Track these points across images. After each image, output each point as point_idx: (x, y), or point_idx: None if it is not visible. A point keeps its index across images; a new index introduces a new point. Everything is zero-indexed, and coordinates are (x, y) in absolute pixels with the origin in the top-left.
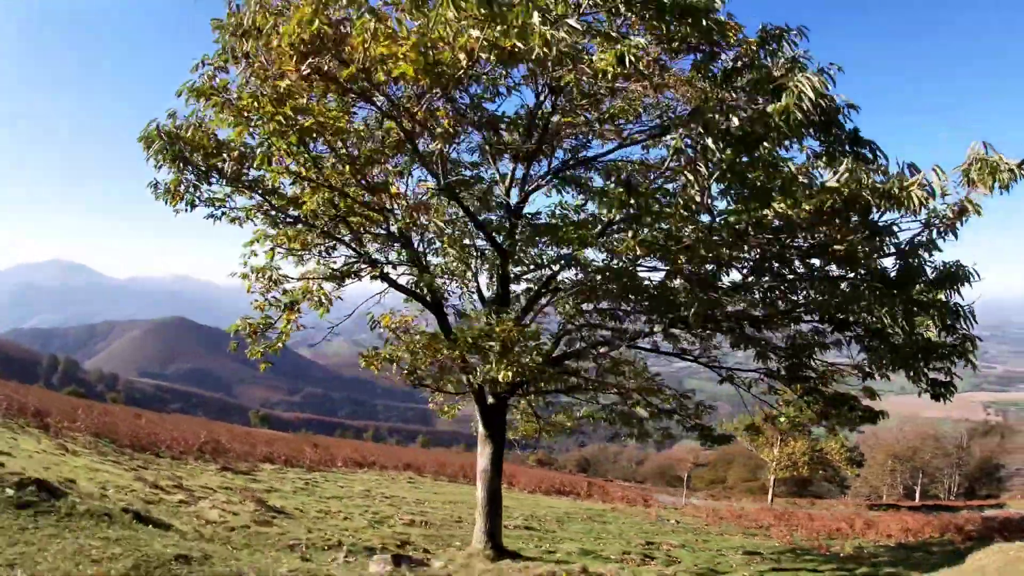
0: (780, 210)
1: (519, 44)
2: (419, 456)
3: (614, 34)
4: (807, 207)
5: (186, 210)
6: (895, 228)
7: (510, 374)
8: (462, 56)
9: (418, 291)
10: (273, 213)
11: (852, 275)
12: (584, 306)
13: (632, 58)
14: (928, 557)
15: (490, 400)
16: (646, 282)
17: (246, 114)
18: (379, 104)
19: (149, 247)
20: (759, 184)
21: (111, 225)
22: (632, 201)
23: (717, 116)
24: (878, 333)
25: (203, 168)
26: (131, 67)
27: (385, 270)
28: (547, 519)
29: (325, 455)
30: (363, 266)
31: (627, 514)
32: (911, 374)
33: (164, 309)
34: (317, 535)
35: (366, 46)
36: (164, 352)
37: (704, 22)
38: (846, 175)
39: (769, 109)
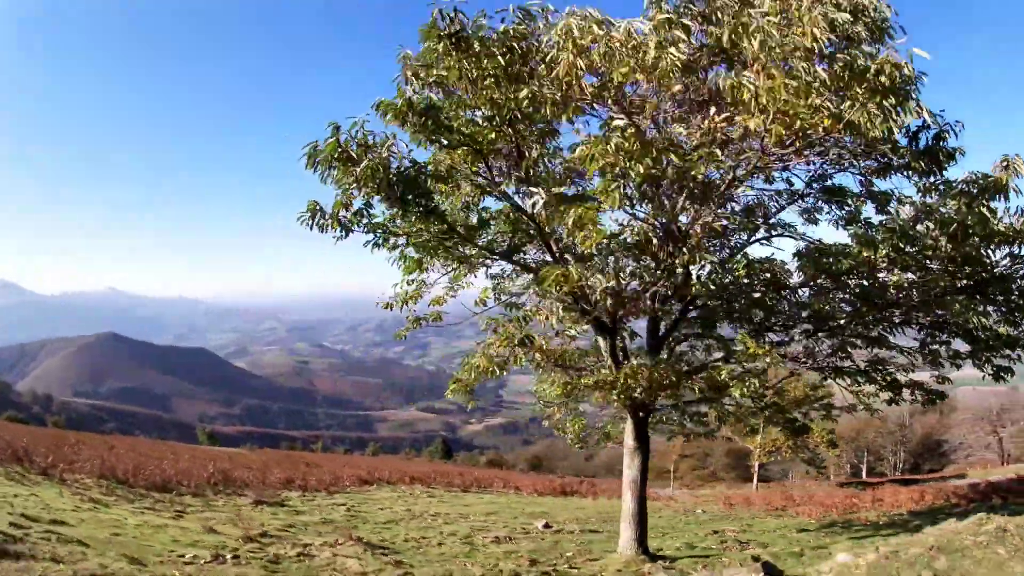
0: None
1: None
2: (411, 467)
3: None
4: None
5: (341, 236)
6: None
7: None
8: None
9: (599, 315)
10: (454, 240)
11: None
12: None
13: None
14: (952, 517)
15: (640, 414)
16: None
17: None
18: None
19: (79, 261)
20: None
21: (39, 240)
22: (904, 248)
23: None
24: (968, 331)
25: (398, 192)
26: (50, 77)
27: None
28: (593, 520)
29: (329, 475)
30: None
31: (653, 508)
32: (978, 361)
33: (96, 325)
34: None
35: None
36: (97, 370)
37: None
38: None
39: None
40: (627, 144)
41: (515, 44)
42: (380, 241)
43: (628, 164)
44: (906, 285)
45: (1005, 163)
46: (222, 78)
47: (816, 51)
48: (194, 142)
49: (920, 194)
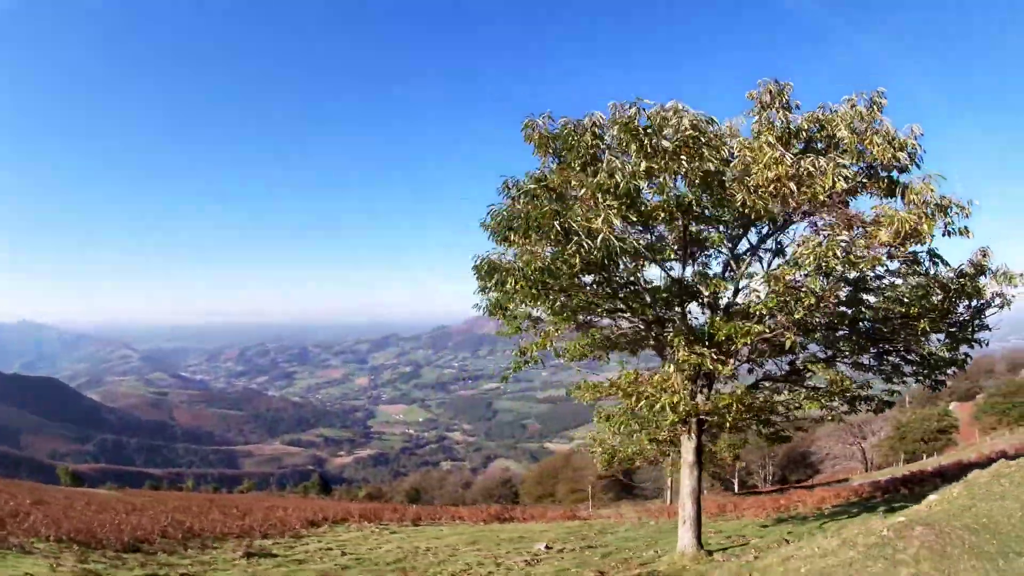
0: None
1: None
2: (340, 505)
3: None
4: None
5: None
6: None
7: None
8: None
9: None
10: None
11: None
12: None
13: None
14: (889, 504)
15: (698, 436)
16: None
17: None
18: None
19: None
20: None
21: None
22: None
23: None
24: (921, 356)
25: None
26: None
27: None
28: (573, 539)
29: (267, 519)
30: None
31: (617, 524)
32: (921, 377)
33: None
34: None
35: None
36: None
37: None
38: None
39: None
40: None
41: (701, 148)
42: (525, 328)
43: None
44: (897, 326)
45: (983, 253)
46: (67, 90)
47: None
48: (36, 151)
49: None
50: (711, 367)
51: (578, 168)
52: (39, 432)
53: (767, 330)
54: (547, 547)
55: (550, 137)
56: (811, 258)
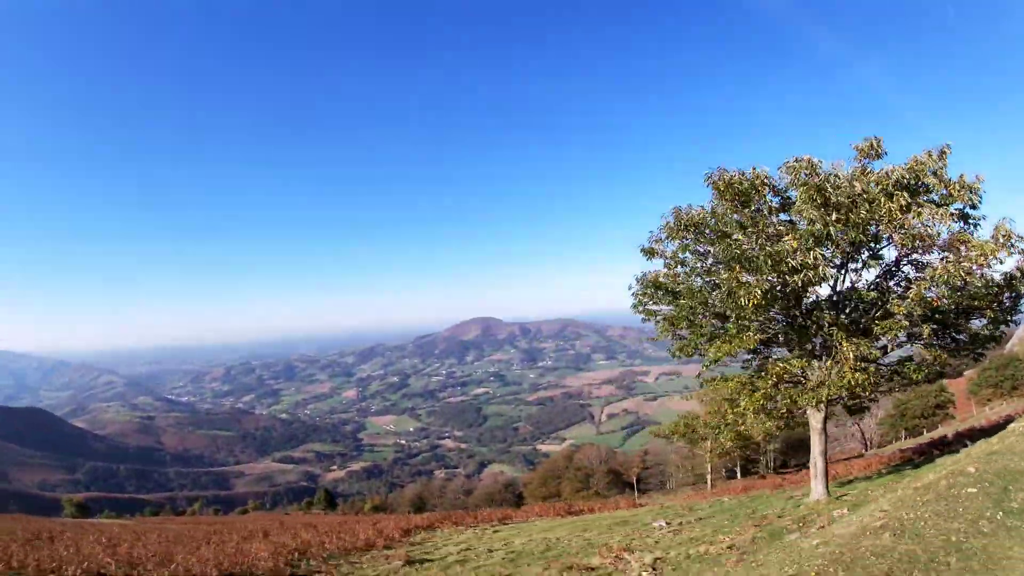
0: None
1: None
2: (396, 518)
3: None
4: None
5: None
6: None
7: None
8: None
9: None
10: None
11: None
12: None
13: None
14: (915, 467)
15: (826, 407)
16: None
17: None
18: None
19: None
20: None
21: None
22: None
23: None
24: (973, 335)
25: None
26: None
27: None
28: (672, 515)
29: (355, 534)
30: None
31: (693, 504)
32: (969, 351)
33: None
34: None
35: None
36: None
37: None
38: None
39: None
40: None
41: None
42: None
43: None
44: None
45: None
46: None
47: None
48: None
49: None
50: (866, 353)
51: (765, 212)
52: (25, 464)
53: (907, 324)
54: (666, 523)
55: (731, 185)
56: (943, 276)
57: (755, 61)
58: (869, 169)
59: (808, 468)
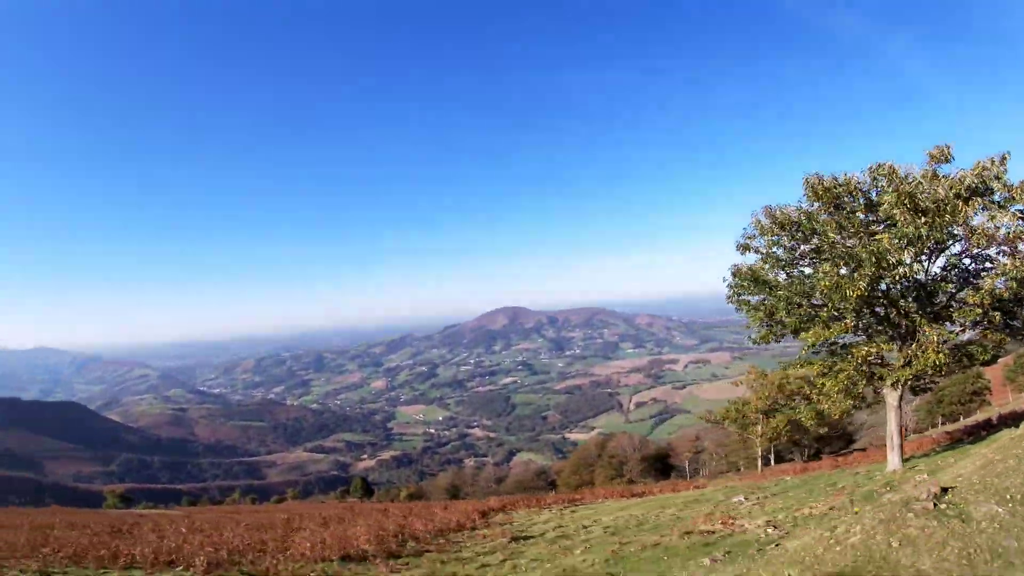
0: None
1: None
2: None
3: None
4: None
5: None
6: None
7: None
8: None
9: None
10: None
11: None
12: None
13: None
14: (973, 443)
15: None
16: None
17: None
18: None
19: None
20: None
21: None
22: None
23: None
24: None
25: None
26: None
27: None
28: (740, 492)
29: (444, 518)
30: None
31: (758, 484)
32: (1021, 337)
33: None
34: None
35: None
36: None
37: None
38: None
39: None
40: None
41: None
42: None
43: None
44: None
45: None
46: (55, 114)
47: None
48: (41, 179)
49: None
50: (945, 337)
51: (856, 213)
52: (61, 457)
53: (980, 312)
54: (744, 498)
55: (828, 190)
56: (1012, 272)
57: (774, 48)
58: (940, 173)
59: (843, 455)
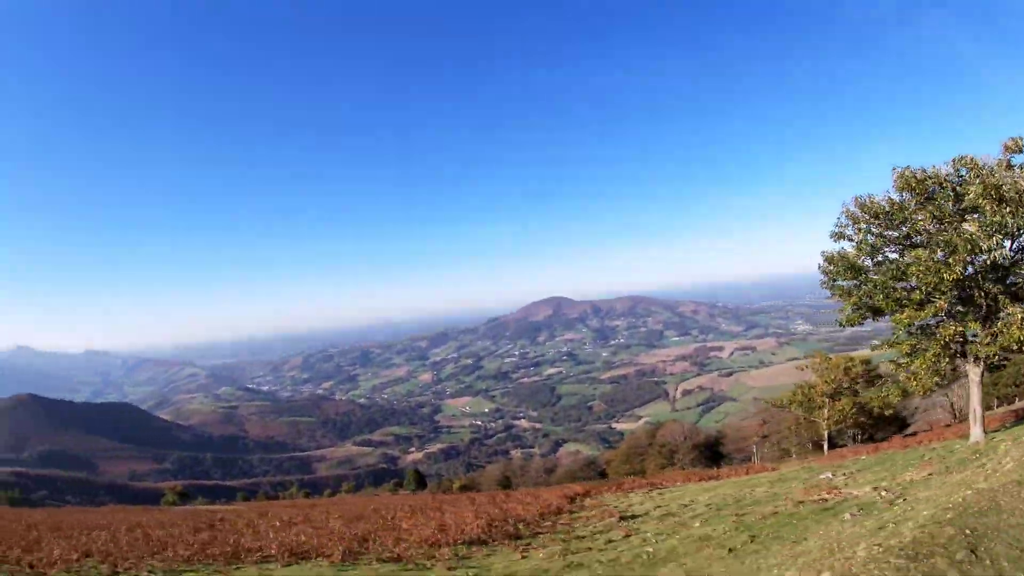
0: None
1: None
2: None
3: None
4: None
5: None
6: None
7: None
8: None
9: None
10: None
11: None
12: None
13: None
14: None
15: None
16: None
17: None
18: None
19: None
20: None
21: None
22: None
23: None
24: None
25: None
26: None
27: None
28: (848, 466)
29: (525, 503)
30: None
31: (836, 463)
32: None
33: (9, 387)
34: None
35: None
36: (15, 435)
37: None
38: None
39: None
40: None
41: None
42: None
43: None
44: None
45: None
46: (125, 129)
47: None
48: (90, 188)
49: None
50: None
51: (947, 204)
52: (115, 456)
53: None
54: (831, 475)
55: (921, 182)
56: None
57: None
58: (1014, 163)
59: (908, 436)
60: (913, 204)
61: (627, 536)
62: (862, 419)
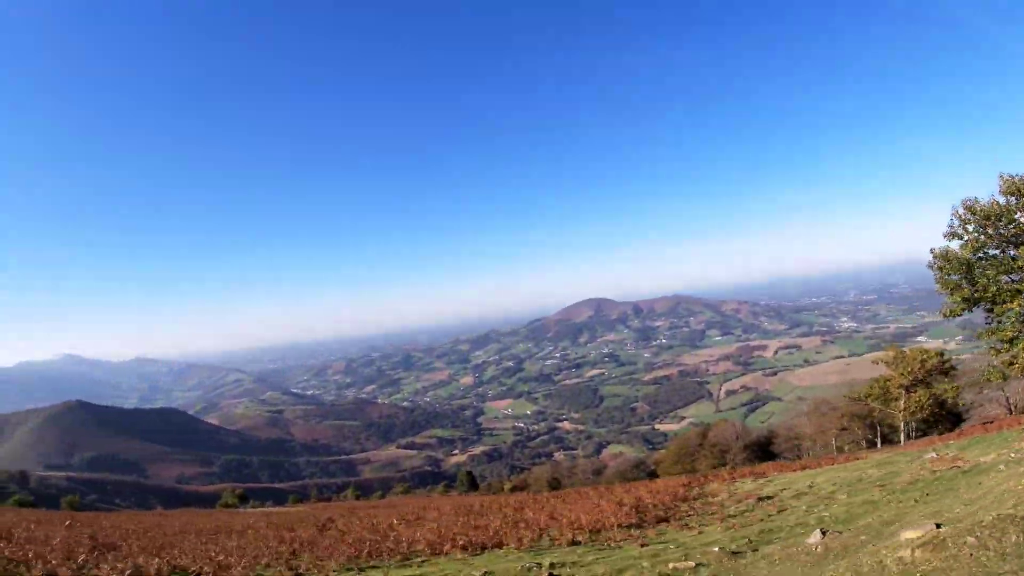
0: None
1: None
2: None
3: None
4: None
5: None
6: None
7: None
8: None
9: None
10: None
11: None
12: None
13: None
14: None
15: None
16: None
17: None
18: None
19: (35, 329)
20: None
21: None
22: None
23: None
24: None
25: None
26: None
27: None
28: (949, 447)
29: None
30: None
31: (922, 450)
32: None
33: (59, 394)
34: None
35: None
36: (66, 440)
37: None
38: None
39: None
40: None
41: None
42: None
43: None
44: None
45: None
46: (171, 143)
47: None
48: (139, 202)
49: None
50: None
51: None
52: (163, 460)
53: None
54: (935, 453)
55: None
56: None
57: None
58: None
59: (985, 424)
60: (1018, 206)
61: (781, 511)
62: (938, 409)
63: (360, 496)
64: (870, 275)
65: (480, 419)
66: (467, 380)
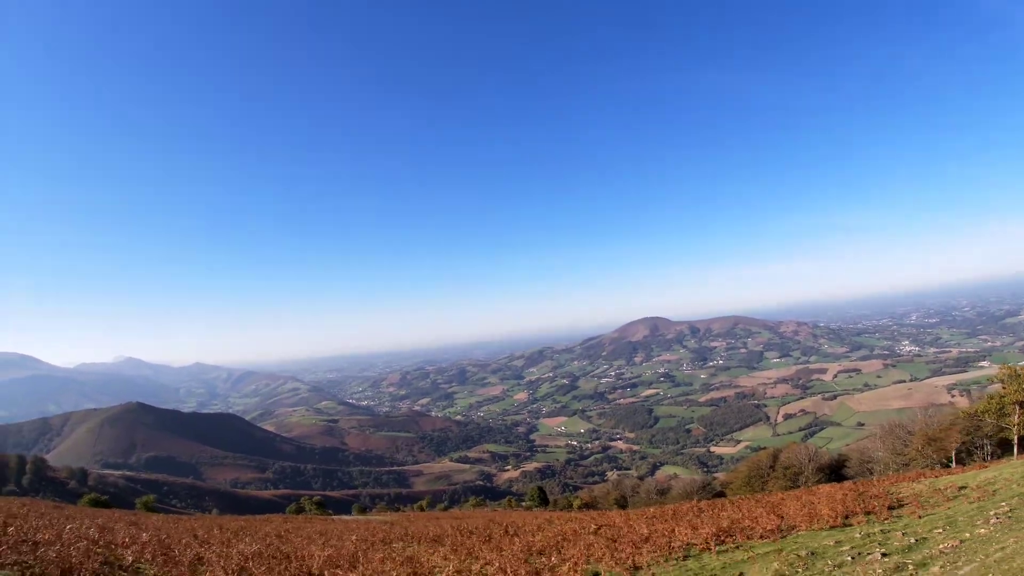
0: None
1: None
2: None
3: None
4: None
5: None
6: None
7: None
8: None
9: None
10: None
11: None
12: None
13: None
14: None
15: None
16: None
17: None
18: None
19: (94, 332)
20: None
21: (52, 312)
22: None
23: None
24: None
25: None
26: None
27: None
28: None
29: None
30: None
31: None
32: None
33: (117, 396)
34: None
35: None
36: (124, 440)
37: None
38: None
39: None
40: None
41: None
42: None
43: None
44: None
45: None
46: (229, 151)
47: None
48: (200, 211)
49: None
50: None
51: None
52: (219, 463)
53: None
54: None
55: None
56: None
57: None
58: None
59: None
60: None
61: (979, 499)
62: None
63: (422, 509)
64: (933, 298)
65: (533, 435)
66: (521, 396)
